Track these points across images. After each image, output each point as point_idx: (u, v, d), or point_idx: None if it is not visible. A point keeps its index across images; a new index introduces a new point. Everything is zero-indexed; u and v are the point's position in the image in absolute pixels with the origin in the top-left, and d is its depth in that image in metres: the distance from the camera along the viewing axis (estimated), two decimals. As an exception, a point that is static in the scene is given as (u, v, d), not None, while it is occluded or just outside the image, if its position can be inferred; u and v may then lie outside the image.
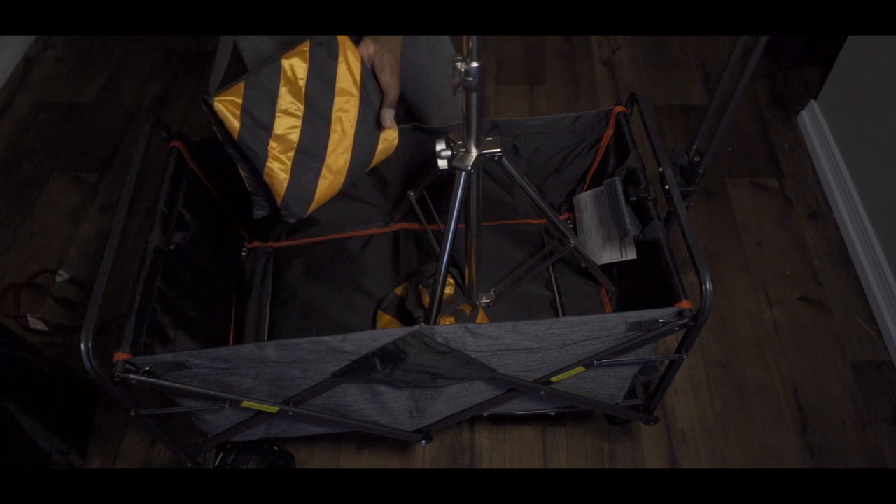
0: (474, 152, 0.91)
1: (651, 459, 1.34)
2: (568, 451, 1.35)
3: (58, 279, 1.61)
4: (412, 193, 1.26)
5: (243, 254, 1.36)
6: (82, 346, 0.81)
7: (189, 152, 1.14)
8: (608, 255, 1.18)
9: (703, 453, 1.34)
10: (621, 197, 1.09)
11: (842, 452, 1.33)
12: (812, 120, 1.83)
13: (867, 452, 1.33)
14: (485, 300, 1.25)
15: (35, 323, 1.52)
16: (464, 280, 1.20)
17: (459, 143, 0.92)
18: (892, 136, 1.47)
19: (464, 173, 0.91)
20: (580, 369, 0.98)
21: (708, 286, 0.88)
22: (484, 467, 1.33)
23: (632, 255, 1.12)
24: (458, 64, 0.79)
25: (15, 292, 1.58)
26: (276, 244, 1.38)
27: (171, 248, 1.04)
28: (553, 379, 1.00)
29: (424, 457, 1.35)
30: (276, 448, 1.23)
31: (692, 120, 1.93)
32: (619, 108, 1.18)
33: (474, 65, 0.78)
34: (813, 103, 1.83)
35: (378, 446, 1.36)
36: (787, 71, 2.02)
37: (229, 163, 1.19)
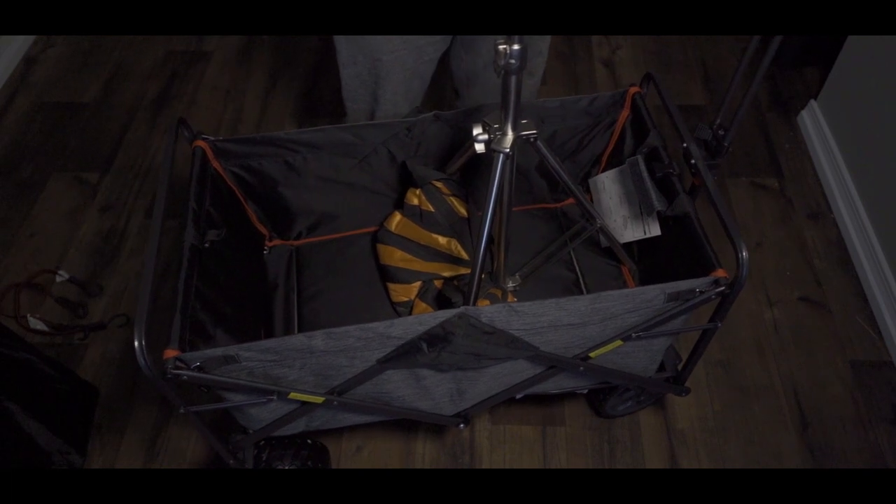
0: (511, 134, 0.91)
1: (651, 459, 1.34)
2: (568, 451, 1.35)
3: (58, 279, 1.61)
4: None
5: (265, 252, 1.36)
6: (136, 344, 0.81)
7: (212, 151, 1.15)
8: (630, 234, 1.20)
9: (703, 453, 1.34)
10: (646, 174, 1.11)
11: (842, 452, 1.33)
12: (812, 120, 1.83)
13: (867, 452, 1.33)
14: (511, 284, 1.25)
15: (35, 323, 1.52)
16: (492, 265, 1.21)
17: (496, 125, 0.92)
18: (892, 136, 1.47)
19: (502, 156, 0.91)
20: (618, 343, 1.00)
21: (744, 254, 0.89)
22: (484, 467, 1.33)
23: (656, 231, 1.14)
24: (502, 47, 0.79)
25: (15, 292, 1.58)
26: (296, 242, 1.38)
27: (206, 245, 1.04)
28: (591, 354, 1.02)
29: (424, 457, 1.35)
30: (310, 442, 1.23)
31: (692, 120, 1.93)
32: (634, 89, 1.18)
33: (516, 47, 0.79)
34: (813, 103, 1.83)
35: (378, 447, 1.36)
36: (787, 71, 2.02)
37: (251, 162, 1.20)
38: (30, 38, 2.21)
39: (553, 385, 1.14)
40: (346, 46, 1.22)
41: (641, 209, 1.16)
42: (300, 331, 1.27)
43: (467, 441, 1.37)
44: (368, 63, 1.21)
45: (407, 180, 1.30)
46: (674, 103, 1.07)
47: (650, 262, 1.25)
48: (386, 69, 1.21)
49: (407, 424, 1.37)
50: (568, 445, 1.36)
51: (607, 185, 1.26)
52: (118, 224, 1.73)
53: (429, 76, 1.31)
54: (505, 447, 1.36)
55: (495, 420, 1.39)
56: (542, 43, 1.33)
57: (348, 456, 1.35)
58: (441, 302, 1.24)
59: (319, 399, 0.98)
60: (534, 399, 1.40)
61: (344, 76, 1.27)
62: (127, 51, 2.18)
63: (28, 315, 1.54)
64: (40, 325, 1.52)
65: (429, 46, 1.22)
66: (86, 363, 1.49)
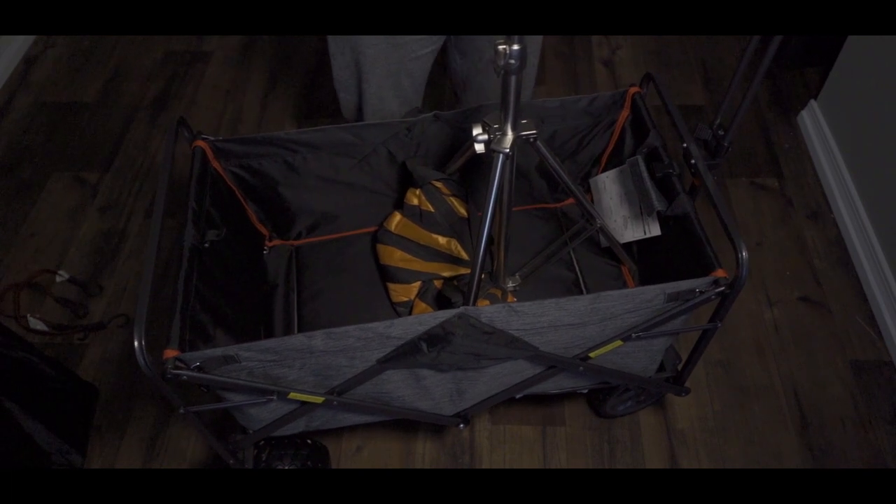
0: (511, 135, 0.91)
1: (651, 459, 1.34)
2: (568, 451, 1.35)
3: (58, 279, 1.61)
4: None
5: (265, 252, 1.36)
6: (136, 344, 0.80)
7: (212, 151, 1.15)
8: (630, 234, 1.20)
9: (703, 453, 1.34)
10: (645, 174, 1.11)
11: (842, 452, 1.33)
12: (812, 120, 1.83)
13: (867, 452, 1.33)
14: (511, 284, 1.26)
15: (35, 323, 1.52)
16: (492, 265, 1.21)
17: (496, 126, 0.92)
18: (892, 136, 1.47)
19: (501, 156, 0.91)
20: (618, 343, 1.00)
21: (744, 254, 0.89)
22: (484, 467, 1.33)
23: (656, 231, 1.14)
24: (502, 47, 0.79)
25: (15, 292, 1.58)
26: (296, 242, 1.38)
27: (206, 245, 1.04)
28: (591, 354, 1.02)
29: (424, 457, 1.35)
30: (309, 442, 1.23)
31: (692, 120, 1.93)
32: (634, 89, 1.18)
33: (515, 47, 0.79)
34: (813, 103, 1.83)
35: (378, 447, 1.36)
36: (787, 71, 2.02)
37: (251, 162, 1.21)
38: (30, 38, 2.21)
39: (553, 385, 1.14)
40: (333, 38, 1.23)
41: (641, 209, 1.16)
42: (300, 331, 1.27)
43: (467, 441, 1.37)
44: (353, 56, 1.22)
45: (407, 180, 1.30)
46: (674, 103, 1.08)
47: (650, 262, 1.25)
48: (369, 63, 1.22)
49: (407, 424, 1.37)
50: (568, 445, 1.36)
51: (607, 185, 1.26)
52: (118, 224, 1.73)
53: (421, 74, 1.30)
54: (505, 447, 1.36)
55: (495, 420, 1.39)
56: (532, 56, 1.33)
57: (348, 456, 1.35)
58: (441, 302, 1.24)
59: (319, 399, 0.98)
60: (534, 399, 1.40)
61: (334, 66, 1.28)
62: (127, 51, 2.18)
63: (28, 315, 1.54)
64: (40, 325, 1.52)
65: (414, 43, 1.22)
66: (86, 363, 1.49)
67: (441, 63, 1.36)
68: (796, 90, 1.97)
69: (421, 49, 1.24)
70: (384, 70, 1.24)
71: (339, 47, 1.23)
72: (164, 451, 1.37)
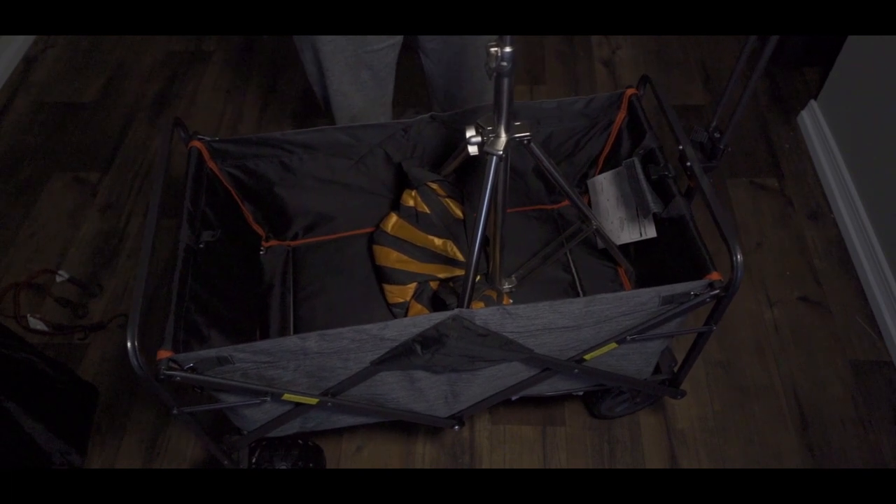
0: (504, 137, 0.92)
1: (651, 459, 1.34)
2: (568, 451, 1.35)
3: (58, 279, 1.61)
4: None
5: (261, 252, 1.36)
6: (129, 345, 0.80)
7: (208, 152, 1.15)
8: (627, 235, 1.20)
9: (703, 453, 1.34)
10: (641, 176, 1.11)
11: (842, 452, 1.33)
12: (812, 120, 1.83)
13: (867, 452, 1.33)
14: (507, 286, 1.26)
15: (35, 323, 1.52)
16: (487, 266, 1.21)
17: (489, 128, 0.93)
18: (892, 136, 1.47)
19: (495, 158, 0.91)
20: (613, 345, 1.00)
21: (738, 257, 0.89)
22: (484, 467, 1.33)
23: (651, 233, 1.14)
24: (493, 49, 0.79)
25: (15, 292, 1.58)
26: (293, 242, 1.38)
27: (201, 246, 1.04)
28: (586, 357, 1.02)
29: (424, 457, 1.35)
30: (301, 442, 1.23)
31: (693, 120, 1.93)
32: (631, 91, 1.18)
33: (507, 49, 0.79)
34: (813, 103, 1.83)
35: (378, 447, 1.36)
36: (787, 71, 2.02)
37: (247, 162, 1.21)
38: (30, 38, 2.21)
39: (548, 387, 1.14)
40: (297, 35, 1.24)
41: (638, 211, 1.16)
42: (296, 332, 1.27)
43: (467, 441, 1.37)
44: (314, 51, 1.22)
45: (403, 181, 1.30)
46: (670, 105, 1.07)
47: (647, 263, 1.25)
48: (327, 58, 1.22)
49: (407, 425, 1.37)
50: (568, 445, 1.36)
51: (604, 187, 1.26)
52: (118, 224, 1.74)
53: (382, 68, 1.28)
54: (505, 447, 1.36)
55: (495, 420, 1.39)
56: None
57: (348, 456, 1.35)
58: (436, 304, 1.24)
59: (313, 400, 0.98)
60: (533, 399, 1.40)
61: (303, 61, 1.28)
62: (127, 51, 2.18)
63: (28, 315, 1.54)
64: (40, 325, 1.52)
65: (369, 35, 1.20)
66: (86, 363, 1.49)
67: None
68: (796, 90, 1.97)
69: (378, 42, 1.22)
70: (342, 64, 1.23)
71: (302, 43, 1.23)
72: (164, 452, 1.37)
